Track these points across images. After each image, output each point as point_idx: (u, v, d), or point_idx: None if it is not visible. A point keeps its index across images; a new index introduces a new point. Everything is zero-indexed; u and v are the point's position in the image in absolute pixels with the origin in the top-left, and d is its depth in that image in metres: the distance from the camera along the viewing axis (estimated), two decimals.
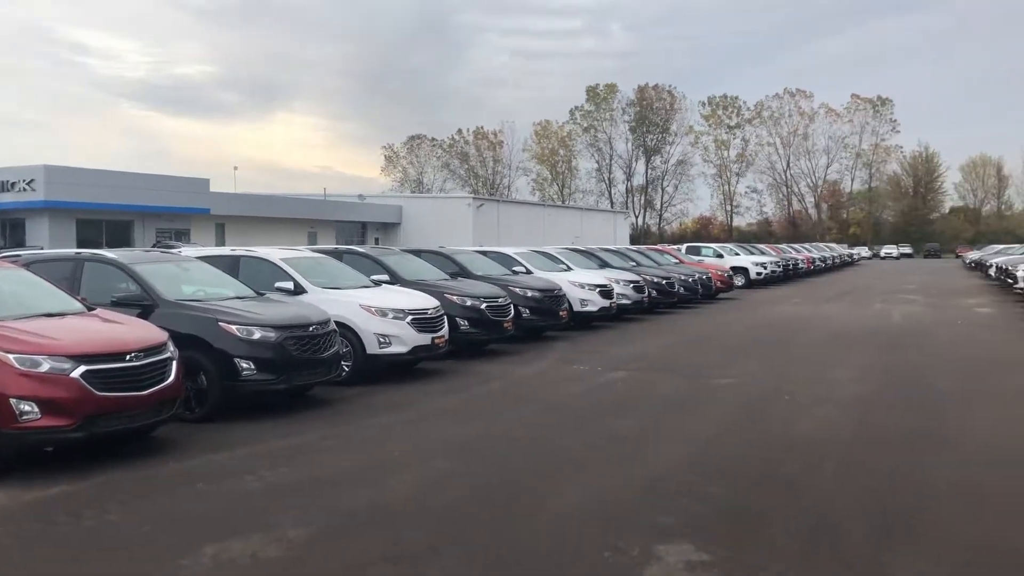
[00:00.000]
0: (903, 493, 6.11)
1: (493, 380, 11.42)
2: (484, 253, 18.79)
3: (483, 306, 13.53)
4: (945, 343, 15.27)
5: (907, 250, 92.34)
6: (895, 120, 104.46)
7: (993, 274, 35.91)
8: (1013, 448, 7.38)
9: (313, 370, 9.34)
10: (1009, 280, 28.51)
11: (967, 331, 17.30)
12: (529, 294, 15.70)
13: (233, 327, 8.79)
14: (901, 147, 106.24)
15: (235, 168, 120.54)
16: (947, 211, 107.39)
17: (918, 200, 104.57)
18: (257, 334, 8.83)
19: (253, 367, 8.74)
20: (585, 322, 18.12)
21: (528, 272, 17.98)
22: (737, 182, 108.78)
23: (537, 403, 9.89)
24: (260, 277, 11.33)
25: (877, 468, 6.79)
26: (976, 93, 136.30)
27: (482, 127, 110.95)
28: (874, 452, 7.31)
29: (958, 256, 79.76)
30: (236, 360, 8.67)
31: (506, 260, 18.43)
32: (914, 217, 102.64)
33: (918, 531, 5.28)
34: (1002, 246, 57.18)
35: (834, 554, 4.89)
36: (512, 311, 14.32)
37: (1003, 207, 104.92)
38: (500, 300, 14.05)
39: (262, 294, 10.42)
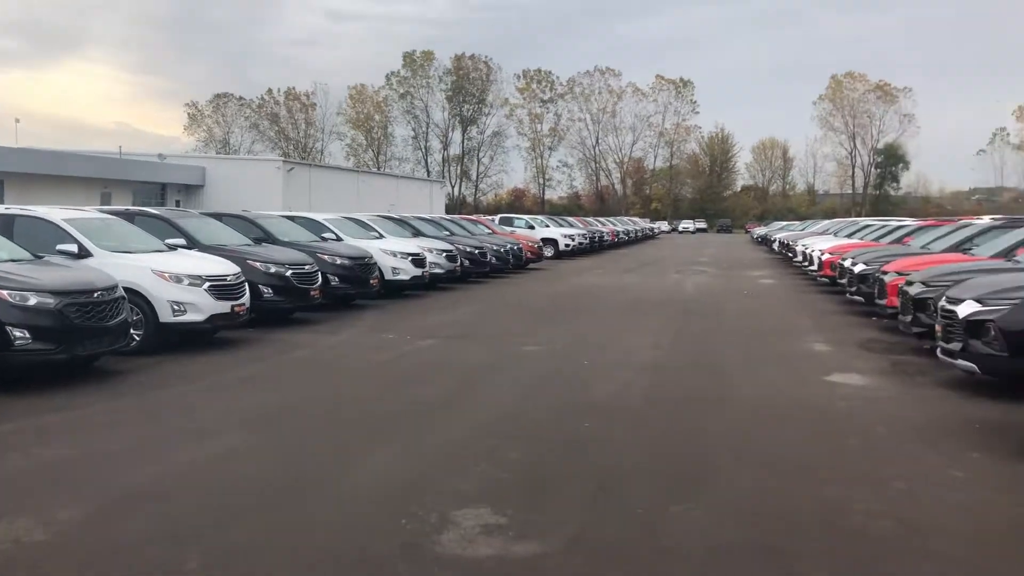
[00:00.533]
0: (687, 449, 6.48)
1: (297, 349, 11.10)
2: (292, 218, 18.18)
3: (288, 273, 13.09)
4: (732, 311, 16.37)
5: (703, 225, 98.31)
6: (695, 101, 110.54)
7: (776, 248, 38.98)
8: (783, 405, 7.99)
9: (98, 339, 8.71)
10: (790, 254, 31.01)
11: (751, 301, 18.64)
12: (338, 261, 15.36)
13: (4, 292, 8.03)
14: (700, 127, 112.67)
15: (16, 121, 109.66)
16: (739, 189, 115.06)
17: (714, 178, 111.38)
18: (32, 300, 8.13)
19: (28, 335, 8.04)
20: (397, 291, 17.99)
21: (338, 239, 17.59)
22: (549, 156, 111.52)
23: (342, 372, 9.71)
24: (39, 239, 10.41)
25: (665, 427, 7.16)
26: (766, 80, 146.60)
27: (294, 88, 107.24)
28: (665, 412, 7.71)
29: (747, 231, 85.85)
30: (8, 328, 7.93)
31: (315, 226, 17.92)
32: (710, 194, 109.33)
33: (699, 484, 5.60)
34: (785, 223, 62.07)
35: (621, 509, 5.09)
36: (320, 279, 13.96)
37: (787, 187, 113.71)
38: (307, 267, 13.65)
39: (40, 257, 9.58)
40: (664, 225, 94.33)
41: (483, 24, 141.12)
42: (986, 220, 18.85)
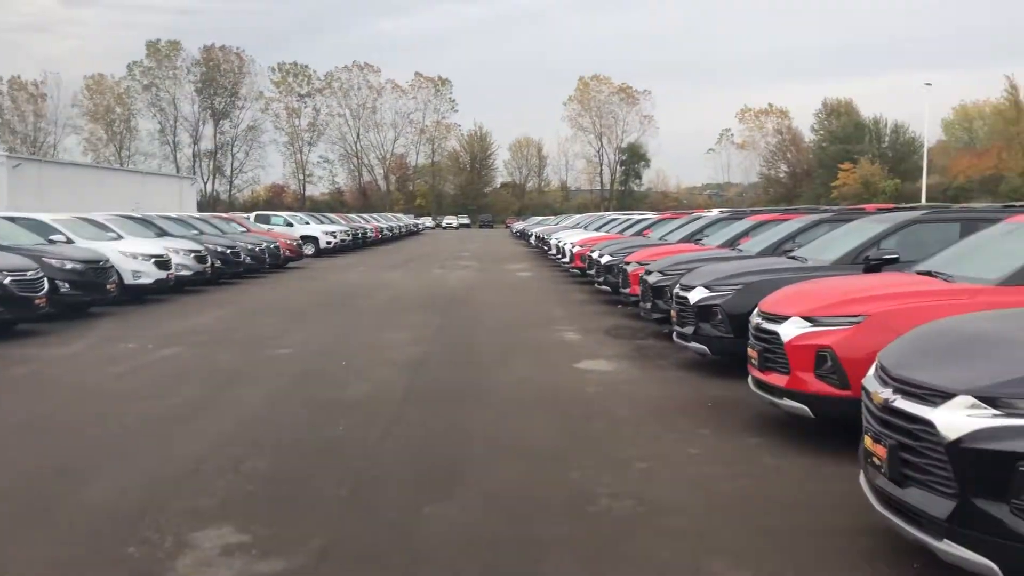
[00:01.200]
0: (444, 446, 6.46)
1: (16, 365, 9.95)
2: (13, 220, 16.33)
3: (7, 281, 11.72)
4: (492, 304, 16.71)
5: (466, 221, 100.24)
6: (454, 100, 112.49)
7: (534, 242, 40.44)
8: (536, 394, 8.22)
9: None
10: (545, 248, 32.26)
11: (510, 294, 19.15)
12: (68, 266, 13.95)
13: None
14: (460, 125, 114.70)
15: None
16: (499, 186, 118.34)
17: (474, 175, 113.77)
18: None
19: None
20: (139, 295, 16.69)
21: (69, 241, 16.03)
22: (309, 151, 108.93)
23: (70, 389, 8.79)
24: None
25: (423, 424, 7.11)
26: (521, 80, 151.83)
27: (19, 76, 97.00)
28: (422, 409, 7.66)
29: (507, 226, 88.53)
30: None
31: (42, 228, 16.22)
32: (471, 190, 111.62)
33: (454, 480, 5.58)
34: (541, 218, 64.56)
35: (375, 514, 4.96)
36: (46, 285, 12.62)
37: (543, 184, 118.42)
38: (29, 273, 12.29)
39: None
40: (428, 221, 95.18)
41: (234, 15, 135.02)
42: (715, 213, 20.59)
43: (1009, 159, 58.80)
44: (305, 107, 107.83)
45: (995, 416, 3.46)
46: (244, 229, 28.39)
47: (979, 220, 8.49)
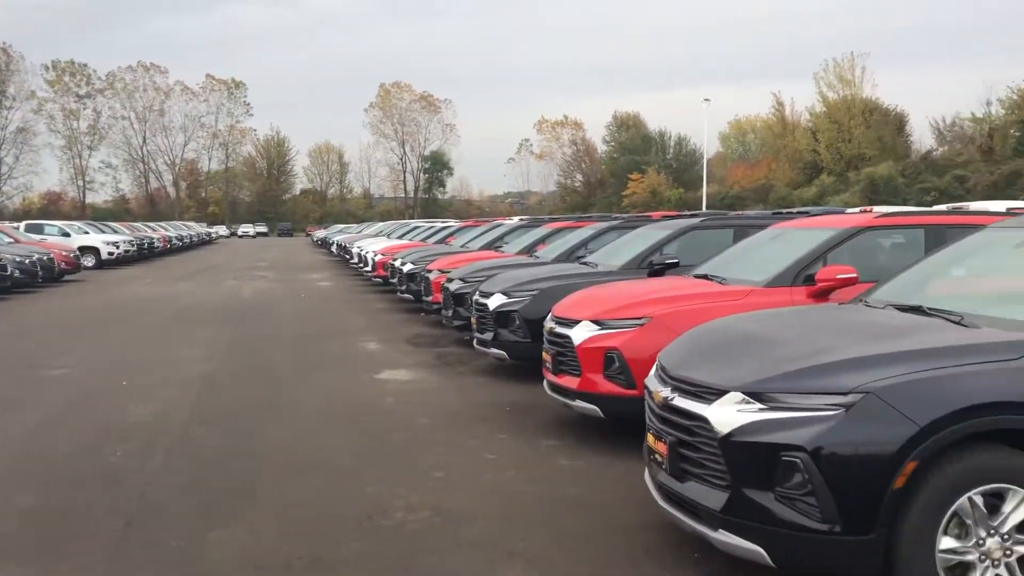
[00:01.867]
0: (237, 465, 6.14)
1: None
2: None
3: None
4: (290, 316, 16.18)
5: (263, 229, 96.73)
6: (249, 103, 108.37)
7: (336, 251, 39.68)
8: (334, 408, 8.01)
9: None
10: (347, 256, 31.72)
11: (310, 304, 18.63)
12: None
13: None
14: (255, 130, 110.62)
15: None
16: (298, 193, 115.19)
17: (272, 181, 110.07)
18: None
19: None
20: None
21: None
22: (90, 156, 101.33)
23: None
24: None
25: (212, 444, 6.73)
26: (320, 84, 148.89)
27: None
28: (210, 428, 7.25)
29: (308, 235, 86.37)
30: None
31: None
32: (269, 197, 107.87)
33: (243, 502, 5.30)
34: (343, 226, 63.53)
35: (153, 545, 4.62)
36: None
37: (345, 191, 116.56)
38: None
39: None
40: (222, 229, 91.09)
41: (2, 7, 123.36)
42: (515, 221, 21.02)
43: (778, 170, 64.18)
44: (84, 109, 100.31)
45: (761, 410, 3.69)
46: (11, 240, 25.93)
47: (749, 226, 9.15)
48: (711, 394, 3.91)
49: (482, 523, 4.90)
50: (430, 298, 13.81)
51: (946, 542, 3.42)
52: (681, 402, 4.06)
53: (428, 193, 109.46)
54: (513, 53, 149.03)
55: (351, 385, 9.18)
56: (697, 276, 7.40)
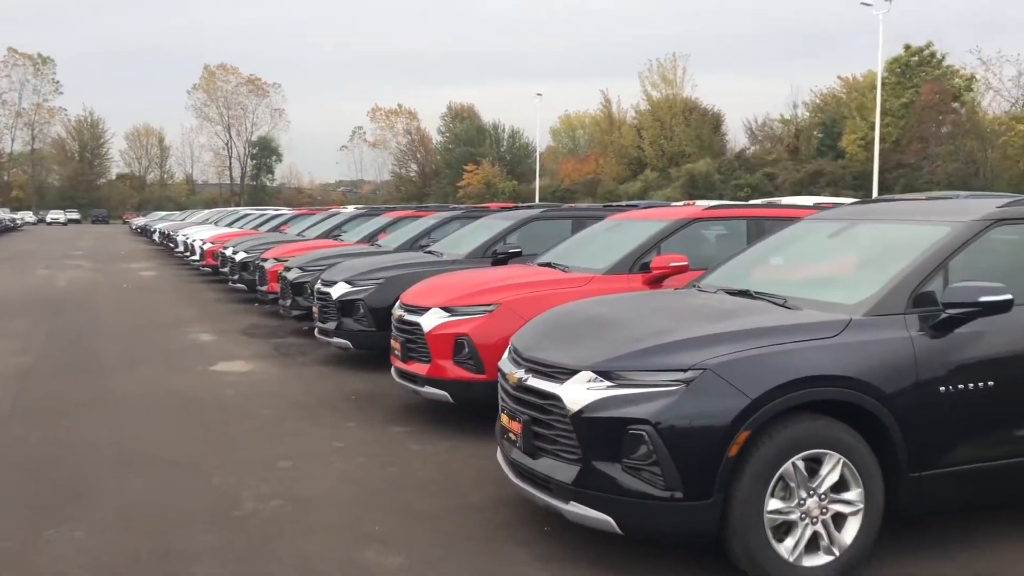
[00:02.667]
0: (67, 463, 5.80)
1: None
2: None
3: None
4: (112, 307, 15.28)
5: (75, 215, 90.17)
6: (58, 81, 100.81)
7: (158, 239, 37.72)
8: (168, 401, 7.70)
9: None
10: (171, 244, 30.25)
11: (134, 294, 17.66)
12: None
13: None
14: (66, 109, 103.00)
15: None
16: (115, 177, 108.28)
17: (85, 165, 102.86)
18: None
19: None
20: None
21: None
22: None
23: None
24: None
25: (36, 441, 6.33)
26: (138, 64, 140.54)
27: None
28: (33, 425, 6.80)
29: (125, 222, 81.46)
30: None
31: None
32: (81, 182, 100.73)
33: (80, 499, 5.04)
34: (165, 213, 60.39)
35: None
36: None
37: (166, 176, 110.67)
38: None
39: None
40: (29, 216, 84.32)
41: None
42: (352, 209, 20.78)
43: (605, 165, 66.51)
44: None
45: (609, 388, 3.92)
46: None
47: (586, 218, 9.53)
48: (563, 374, 4.11)
49: (336, 509, 4.91)
50: (265, 288, 13.44)
51: (773, 503, 3.77)
52: (535, 382, 4.24)
53: (256, 180, 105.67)
54: (346, 40, 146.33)
55: (184, 377, 8.83)
56: (541, 264, 7.66)
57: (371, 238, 13.70)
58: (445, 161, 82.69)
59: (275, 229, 21.53)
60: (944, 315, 4.01)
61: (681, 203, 12.85)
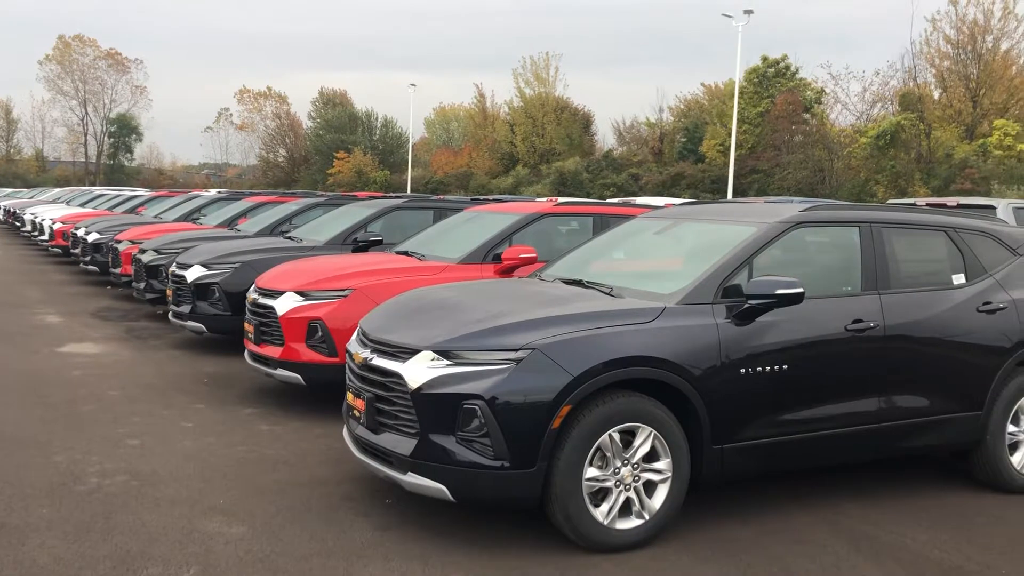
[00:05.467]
0: None
1: None
2: None
3: None
4: None
5: None
6: None
7: (2, 217, 35.55)
8: (12, 382, 7.49)
9: None
10: (18, 223, 28.62)
11: None
12: None
13: None
14: None
15: None
16: None
17: None
18: None
19: None
20: None
21: None
22: None
23: None
24: None
25: None
26: None
27: None
28: None
29: None
30: None
31: None
32: None
33: None
34: (11, 190, 56.79)
35: None
36: None
37: (13, 151, 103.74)
38: None
39: None
40: None
41: None
42: (213, 192, 20.33)
43: (478, 159, 66.98)
44: None
45: (448, 366, 4.21)
46: None
47: (447, 209, 9.81)
48: (406, 353, 4.37)
49: (180, 484, 5.00)
50: (119, 270, 13.06)
51: (591, 472, 4.16)
52: (379, 362, 4.49)
53: (114, 159, 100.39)
54: (214, 18, 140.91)
55: (29, 358, 8.58)
56: (399, 252, 7.88)
57: (231, 222, 13.53)
58: (315, 147, 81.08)
59: (131, 211, 20.80)
60: (746, 305, 4.50)
61: (545, 199, 13.32)
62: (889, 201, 15.69)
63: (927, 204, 9.71)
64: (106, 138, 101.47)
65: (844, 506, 4.94)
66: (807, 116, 46.04)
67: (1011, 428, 5.33)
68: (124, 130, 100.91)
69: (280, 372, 6.83)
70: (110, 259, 13.74)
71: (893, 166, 36.62)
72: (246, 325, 7.28)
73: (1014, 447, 5.37)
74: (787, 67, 48.69)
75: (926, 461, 5.69)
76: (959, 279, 5.36)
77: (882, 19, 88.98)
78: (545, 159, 60.27)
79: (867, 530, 4.61)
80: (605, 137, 68.17)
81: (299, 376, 6.72)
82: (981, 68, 39.20)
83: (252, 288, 7.42)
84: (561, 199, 9.57)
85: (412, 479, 4.22)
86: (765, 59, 48.76)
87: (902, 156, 36.84)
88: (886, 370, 4.92)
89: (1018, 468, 5.35)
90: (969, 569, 4.18)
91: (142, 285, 11.25)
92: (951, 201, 9.95)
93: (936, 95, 41.53)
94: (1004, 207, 9.35)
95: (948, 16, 39.85)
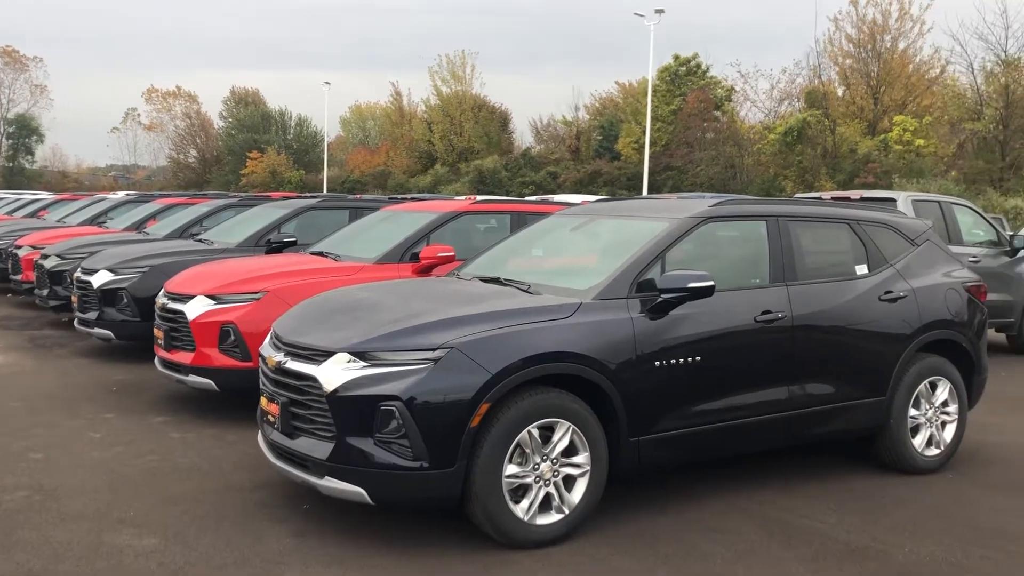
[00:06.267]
0: None
1: None
2: None
3: None
4: None
5: None
6: None
7: None
8: None
9: None
10: None
11: None
12: None
13: None
14: None
15: None
16: None
17: None
18: None
19: None
20: None
21: None
22: None
23: None
24: None
25: None
26: None
27: None
28: None
29: None
30: None
31: None
32: None
33: None
34: None
35: None
36: None
37: None
38: None
39: None
40: None
41: None
42: (121, 195, 19.67)
43: (396, 158, 66.44)
44: None
45: (364, 368, 4.16)
46: None
47: (364, 208, 9.70)
48: (320, 356, 4.30)
49: (87, 497, 4.81)
50: (20, 277, 12.52)
51: (511, 468, 4.16)
52: (293, 365, 4.40)
53: (13, 162, 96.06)
54: (119, 15, 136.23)
55: None
56: (313, 253, 7.75)
57: (139, 225, 13.10)
58: (227, 147, 79.18)
59: (33, 215, 19.94)
60: (660, 299, 4.58)
61: (463, 197, 13.30)
62: (796, 195, 16.19)
63: (832, 198, 10.10)
64: (4, 140, 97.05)
65: (758, 494, 5.07)
66: (718, 114, 47.10)
67: (912, 412, 5.55)
68: (24, 131, 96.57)
69: (192, 378, 6.64)
70: (10, 265, 13.15)
71: (800, 161, 37.78)
72: (156, 331, 7.06)
73: (915, 430, 5.59)
74: (698, 65, 49.72)
75: (834, 447, 5.88)
76: (862, 269, 5.55)
77: (789, 19, 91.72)
78: (464, 157, 60.21)
79: (779, 516, 4.75)
80: (523, 135, 68.52)
81: (212, 382, 6.55)
82: (881, 66, 40.72)
83: (161, 292, 7.20)
84: (479, 197, 9.56)
85: (329, 483, 4.16)
86: (677, 57, 49.67)
87: (809, 152, 38.02)
88: (795, 359, 5.07)
89: (919, 450, 5.58)
90: (875, 548, 4.34)
91: (45, 292, 10.81)
92: (854, 194, 10.32)
93: (840, 92, 42.99)
94: (904, 199, 9.75)
95: (849, 16, 41.26)
